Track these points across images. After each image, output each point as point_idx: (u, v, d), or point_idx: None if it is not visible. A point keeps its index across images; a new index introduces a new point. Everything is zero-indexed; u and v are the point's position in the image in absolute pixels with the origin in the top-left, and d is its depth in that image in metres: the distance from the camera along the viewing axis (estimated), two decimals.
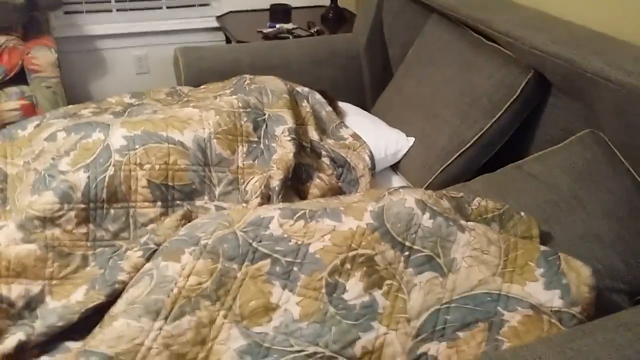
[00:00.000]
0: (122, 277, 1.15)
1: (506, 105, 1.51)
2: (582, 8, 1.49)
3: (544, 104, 1.53)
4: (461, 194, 1.25)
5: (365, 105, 2.15)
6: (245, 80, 1.69)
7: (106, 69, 2.89)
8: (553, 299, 1.00)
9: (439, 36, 1.80)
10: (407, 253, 1.06)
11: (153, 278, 1.02)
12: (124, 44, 2.83)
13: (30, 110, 1.97)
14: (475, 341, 0.98)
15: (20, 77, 2.02)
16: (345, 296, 1.01)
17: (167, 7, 2.86)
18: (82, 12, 2.71)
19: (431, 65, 1.76)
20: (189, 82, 1.93)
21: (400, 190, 1.17)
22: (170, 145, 1.38)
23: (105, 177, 1.29)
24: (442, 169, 1.59)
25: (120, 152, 1.33)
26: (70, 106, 1.70)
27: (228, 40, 2.73)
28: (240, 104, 1.53)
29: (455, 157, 1.58)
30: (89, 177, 1.28)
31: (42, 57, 1.97)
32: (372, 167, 1.62)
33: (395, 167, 1.76)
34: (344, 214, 1.10)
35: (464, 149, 1.57)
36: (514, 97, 1.50)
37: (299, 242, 1.07)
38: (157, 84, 2.93)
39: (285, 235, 1.08)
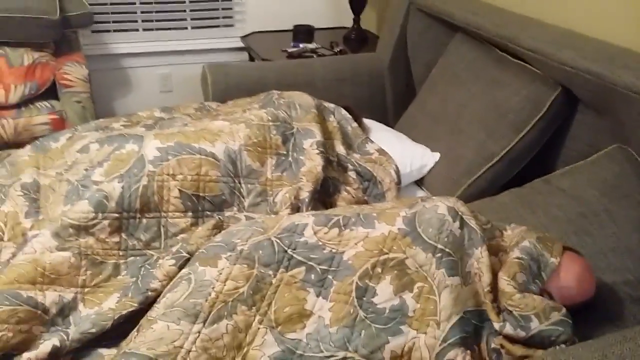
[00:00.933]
0: (155, 284, 1.17)
1: (534, 121, 1.52)
2: (609, 25, 1.51)
3: (571, 119, 1.54)
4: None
5: (388, 122, 2.17)
6: (273, 96, 1.72)
7: (131, 87, 2.94)
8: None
9: (464, 54, 1.82)
10: (439, 254, 1.07)
11: (191, 282, 1.04)
12: (149, 63, 2.89)
13: (59, 124, 2.01)
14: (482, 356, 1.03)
15: (50, 93, 2.07)
16: (375, 299, 1.03)
17: (192, 27, 2.92)
18: (109, 31, 2.77)
19: (456, 83, 1.78)
20: (216, 98, 1.97)
21: (434, 197, 1.18)
22: (202, 157, 1.40)
23: (139, 187, 1.31)
24: (469, 182, 1.60)
25: (153, 163, 1.35)
26: (100, 120, 1.74)
27: (252, 60, 2.77)
28: (269, 118, 1.55)
29: (482, 171, 1.58)
30: (123, 187, 1.30)
31: (74, 72, 2.02)
32: (398, 182, 1.64)
33: (420, 182, 1.77)
34: (377, 219, 1.12)
35: (491, 163, 1.57)
36: (542, 113, 1.51)
37: (334, 250, 1.08)
38: (179, 102, 2.97)
39: (320, 243, 1.09)
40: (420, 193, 1.75)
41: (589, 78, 1.31)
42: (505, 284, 1.07)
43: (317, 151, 1.52)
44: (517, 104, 1.55)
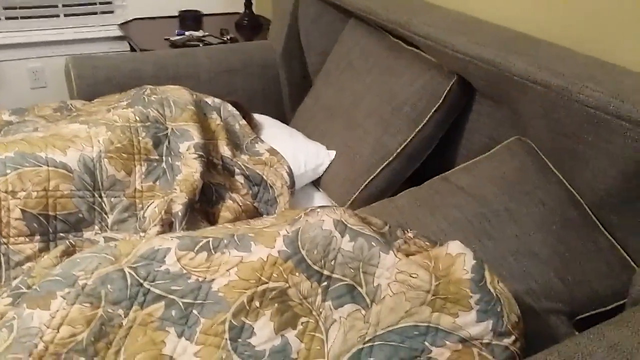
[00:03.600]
0: None
1: (430, 113, 1.42)
2: (506, 9, 1.43)
3: (469, 110, 1.45)
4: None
5: (285, 116, 2.02)
6: (145, 91, 1.50)
7: None
8: (485, 331, 0.88)
9: (357, 41, 1.69)
10: (325, 283, 0.91)
11: (12, 331, 0.82)
12: (15, 56, 2.55)
13: None
14: None
15: None
16: (253, 341, 0.85)
17: (65, 15, 2.60)
18: None
19: (350, 72, 1.65)
20: (83, 96, 1.72)
21: (319, 210, 1.01)
22: (50, 168, 1.17)
23: None
24: (366, 183, 1.47)
25: None
26: None
27: (133, 50, 2.51)
28: (137, 118, 1.34)
29: (379, 170, 1.46)
30: None
31: None
32: (291, 185, 1.48)
33: (317, 183, 1.62)
34: (254, 241, 0.95)
35: (388, 160, 1.45)
36: (438, 104, 1.41)
37: (201, 279, 0.89)
38: (55, 99, 2.66)
39: (184, 272, 0.90)
40: (318, 195, 1.60)
41: (481, 65, 1.21)
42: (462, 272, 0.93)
43: (195, 155, 1.33)
44: (412, 95, 1.44)
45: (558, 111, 1.08)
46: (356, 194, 1.48)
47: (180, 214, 1.21)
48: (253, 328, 0.86)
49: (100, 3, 2.65)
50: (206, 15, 2.61)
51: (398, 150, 1.44)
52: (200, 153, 1.33)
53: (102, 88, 1.73)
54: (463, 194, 1.26)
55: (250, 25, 2.51)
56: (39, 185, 1.15)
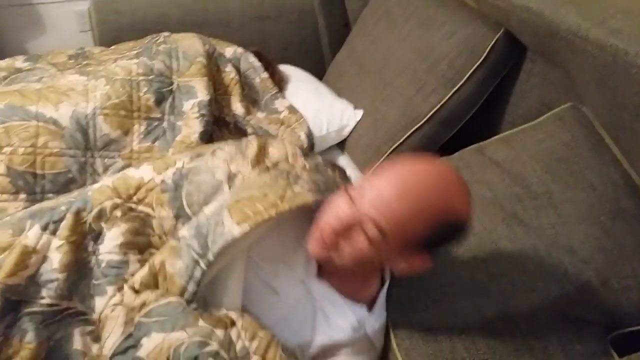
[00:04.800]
0: None
1: (470, 72, 1.22)
2: None
3: (517, 70, 1.23)
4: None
5: (324, 69, 1.85)
6: (157, 39, 1.39)
7: (44, 27, 2.56)
8: None
9: None
10: (192, 231, 0.85)
11: None
12: None
13: None
14: None
15: None
16: (101, 247, 0.84)
17: None
18: None
19: (386, 22, 1.46)
20: (104, 42, 1.64)
21: (226, 149, 0.97)
22: (39, 124, 1.09)
23: None
24: (391, 149, 1.31)
25: None
26: None
27: None
28: (140, 70, 1.24)
29: (407, 134, 1.29)
30: None
31: None
32: (309, 148, 1.34)
33: (342, 145, 1.47)
34: (148, 162, 0.95)
35: (418, 125, 1.28)
36: (479, 61, 1.21)
37: None
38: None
39: None
40: (342, 160, 1.45)
41: (527, 18, 1.00)
42: None
43: (197, 114, 1.21)
44: (450, 50, 1.24)
45: (614, 78, 0.86)
46: (380, 160, 1.32)
47: None
48: (106, 235, 0.84)
49: None
50: None
51: (430, 114, 1.26)
52: (204, 112, 1.21)
53: (126, 35, 1.62)
54: (497, 169, 1.08)
55: None
56: (26, 141, 1.07)
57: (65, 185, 1.10)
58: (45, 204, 0.89)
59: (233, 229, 0.80)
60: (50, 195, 1.09)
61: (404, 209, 0.75)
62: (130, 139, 1.17)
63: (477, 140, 1.21)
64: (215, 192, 0.89)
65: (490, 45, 1.18)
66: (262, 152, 0.99)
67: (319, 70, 1.82)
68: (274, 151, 1.01)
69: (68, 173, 1.10)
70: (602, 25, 0.85)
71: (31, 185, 1.07)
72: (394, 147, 1.30)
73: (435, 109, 1.25)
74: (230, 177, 0.92)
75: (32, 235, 0.82)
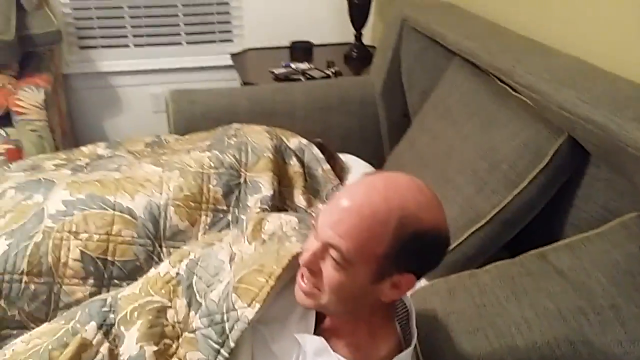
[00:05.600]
0: None
1: (532, 175, 1.21)
2: (633, 58, 1.19)
3: (582, 174, 1.22)
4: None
5: (384, 157, 1.89)
6: (229, 131, 1.47)
7: (121, 107, 2.76)
8: None
9: (459, 84, 1.52)
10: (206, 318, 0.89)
11: None
12: (140, 81, 2.70)
13: (15, 154, 1.83)
14: None
15: (8, 120, 1.89)
16: (122, 349, 0.89)
17: (187, 43, 2.71)
18: (96, 47, 2.60)
19: (448, 119, 1.49)
20: (179, 129, 1.74)
21: (236, 234, 1.05)
22: (116, 213, 1.17)
23: (29, 244, 1.09)
24: (451, 248, 1.30)
25: (54, 218, 1.13)
26: (40, 156, 1.54)
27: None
28: (212, 163, 1.31)
29: (467, 235, 1.28)
30: (9, 245, 1.08)
31: (28, 98, 1.83)
32: None
33: None
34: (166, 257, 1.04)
35: (478, 225, 1.27)
36: (542, 165, 1.20)
37: None
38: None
39: None
40: None
41: (590, 128, 1.00)
42: None
43: (259, 210, 1.26)
44: (512, 151, 1.25)
45: None
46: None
47: None
48: (125, 335, 0.89)
49: (220, 32, 2.73)
50: (317, 45, 2.57)
51: (492, 215, 1.26)
52: (265, 207, 1.26)
53: (199, 122, 1.74)
54: (561, 279, 1.05)
55: (360, 57, 2.42)
56: (102, 229, 1.14)
57: (131, 272, 1.16)
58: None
59: (246, 311, 0.83)
60: (116, 281, 1.15)
61: (358, 224, 0.73)
62: (197, 230, 1.22)
63: (539, 242, 1.19)
64: (217, 272, 0.94)
65: (554, 150, 1.18)
66: (257, 228, 1.06)
67: (378, 158, 1.86)
68: (270, 225, 1.05)
69: (136, 261, 1.16)
70: None
71: (100, 271, 1.13)
72: (454, 245, 1.29)
73: (497, 210, 1.25)
74: (232, 257, 0.98)
75: (90, 330, 0.89)
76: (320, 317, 0.88)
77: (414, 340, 0.89)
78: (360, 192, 0.76)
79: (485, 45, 1.38)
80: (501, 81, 1.40)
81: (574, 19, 1.37)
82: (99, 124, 2.76)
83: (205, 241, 1.10)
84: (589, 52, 1.31)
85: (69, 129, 2.43)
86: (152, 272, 1.00)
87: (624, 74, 1.17)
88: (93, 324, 0.90)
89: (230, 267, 0.95)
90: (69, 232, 1.13)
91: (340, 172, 1.56)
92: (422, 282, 1.33)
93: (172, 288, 0.94)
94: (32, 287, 1.08)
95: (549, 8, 1.46)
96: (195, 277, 0.95)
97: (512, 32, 1.52)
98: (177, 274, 0.97)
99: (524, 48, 1.36)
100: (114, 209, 1.17)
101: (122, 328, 0.90)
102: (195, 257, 0.99)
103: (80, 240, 1.13)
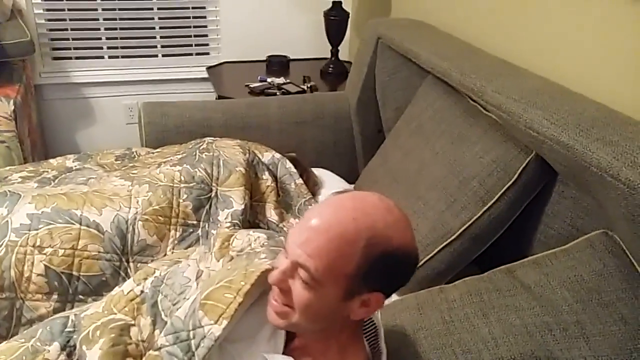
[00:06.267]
0: None
1: (501, 192, 1.23)
2: (601, 80, 1.22)
3: (549, 192, 1.24)
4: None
5: (358, 172, 1.90)
6: (201, 145, 1.46)
7: (94, 118, 2.73)
8: None
9: (431, 102, 1.54)
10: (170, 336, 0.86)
11: None
12: (114, 92, 2.68)
13: None
14: None
15: None
16: None
17: (163, 55, 2.70)
18: (70, 58, 2.57)
19: (420, 136, 1.50)
20: (151, 142, 1.72)
21: (203, 251, 1.02)
22: (82, 227, 1.15)
23: None
24: (420, 263, 1.31)
25: (17, 232, 1.11)
26: (7, 168, 1.51)
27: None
28: (183, 177, 1.30)
29: (437, 250, 1.29)
30: None
31: None
32: None
33: None
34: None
35: (448, 240, 1.28)
36: (511, 182, 1.22)
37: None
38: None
39: None
40: None
41: (557, 148, 1.02)
42: None
43: (229, 224, 1.25)
44: (483, 168, 1.27)
45: None
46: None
47: None
48: (87, 355, 0.86)
49: (197, 45, 2.72)
50: (293, 60, 2.58)
51: (460, 230, 1.27)
52: (236, 221, 1.25)
53: (171, 136, 1.73)
54: (528, 295, 1.06)
55: (336, 72, 2.43)
56: (67, 243, 1.12)
57: (97, 287, 1.14)
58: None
59: (213, 329, 0.82)
60: (81, 297, 1.12)
61: (326, 244, 0.73)
62: (165, 245, 1.21)
63: (507, 257, 1.21)
64: (183, 290, 0.92)
65: (522, 167, 1.20)
66: (225, 245, 1.05)
67: (351, 173, 1.87)
68: (238, 242, 1.05)
69: (102, 276, 1.14)
70: (633, 166, 0.87)
71: (65, 286, 1.11)
72: (424, 260, 1.30)
73: (466, 225, 1.26)
74: (199, 275, 0.97)
75: (53, 351, 0.87)
76: (289, 337, 0.88)
77: (384, 358, 0.89)
78: (329, 211, 0.76)
79: (457, 65, 1.40)
80: (473, 100, 1.43)
81: (544, 40, 1.40)
82: (71, 135, 2.72)
83: (171, 258, 1.08)
84: (557, 74, 1.34)
85: (40, 140, 2.39)
86: (116, 290, 0.98)
87: (590, 95, 1.20)
88: (56, 345, 0.87)
89: (197, 284, 0.93)
90: (33, 246, 1.10)
91: (313, 186, 1.56)
92: (393, 297, 1.34)
93: (135, 306, 0.92)
94: None
95: (520, 30, 1.49)
96: (160, 295, 0.94)
97: (483, 52, 1.54)
98: (142, 292, 0.95)
99: (495, 68, 1.38)
100: (80, 223, 1.15)
101: (84, 347, 0.87)
102: (160, 274, 0.98)
103: (45, 254, 1.10)
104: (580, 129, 1.00)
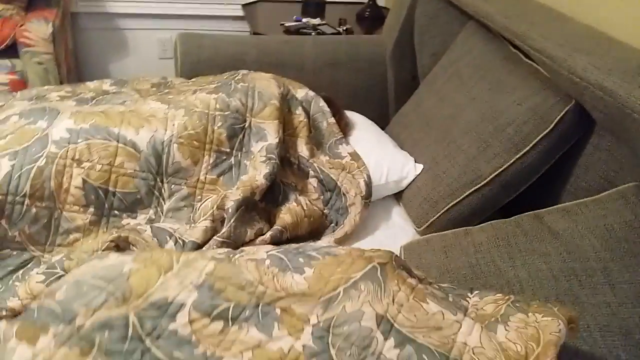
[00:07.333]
0: (13, 303, 0.96)
1: (535, 140, 1.22)
2: None
3: (585, 142, 1.23)
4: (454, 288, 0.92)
5: (388, 118, 1.89)
6: (236, 76, 1.47)
7: (128, 50, 2.74)
8: None
9: (470, 48, 1.51)
10: None
11: None
12: (148, 25, 2.68)
13: (19, 85, 1.82)
14: None
15: (15, 51, 1.87)
16: None
17: None
18: None
19: (456, 81, 1.48)
20: (186, 73, 1.73)
21: (362, 287, 0.82)
22: (119, 144, 1.17)
23: (33, 167, 1.10)
24: (447, 207, 1.31)
25: (57, 144, 1.14)
26: (45, 87, 1.53)
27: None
28: (217, 105, 1.30)
29: (466, 194, 1.30)
30: (13, 166, 1.09)
31: (36, 30, 1.81)
32: (367, 195, 1.37)
33: (398, 196, 1.49)
34: (279, 322, 0.80)
35: (478, 185, 1.28)
36: (546, 130, 1.21)
37: (209, 353, 0.77)
38: None
39: (193, 338, 0.78)
40: (396, 210, 1.47)
41: (599, 95, 1.00)
42: None
43: (265, 158, 1.26)
44: (518, 116, 1.25)
45: None
46: (435, 217, 1.33)
47: (230, 210, 1.15)
48: None
49: None
50: (330, 2, 2.54)
51: (491, 176, 1.27)
52: (271, 155, 1.27)
53: (204, 67, 1.73)
54: (555, 240, 1.07)
55: (372, 17, 2.39)
56: (105, 159, 1.15)
57: (131, 204, 1.17)
58: None
59: None
60: (116, 212, 1.16)
61: None
62: (199, 169, 1.23)
63: (535, 206, 1.21)
64: (369, 343, 0.77)
65: (559, 116, 1.18)
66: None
67: (382, 118, 1.86)
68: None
69: (137, 194, 1.17)
70: None
71: (101, 200, 1.14)
72: (451, 204, 1.30)
73: (497, 172, 1.26)
74: (379, 320, 0.79)
75: None
76: None
77: None
78: None
79: (501, 9, 1.37)
80: (514, 46, 1.40)
81: None
82: (103, 64, 2.74)
83: (320, 281, 0.85)
84: (603, 22, 1.30)
85: (74, 66, 2.41)
86: (269, 345, 0.78)
87: (636, 45, 1.17)
88: None
89: (384, 337, 0.77)
90: (72, 159, 1.13)
91: (344, 127, 1.56)
92: (417, 236, 1.36)
93: None
94: (34, 210, 1.09)
95: None
96: (333, 348, 0.78)
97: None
98: (304, 346, 0.78)
99: (539, 14, 1.35)
100: (117, 141, 1.17)
101: None
102: (318, 321, 0.80)
103: (83, 168, 1.13)
104: (624, 75, 0.98)
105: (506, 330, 0.79)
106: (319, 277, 0.84)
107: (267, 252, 0.90)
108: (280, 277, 0.85)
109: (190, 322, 0.79)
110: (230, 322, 0.79)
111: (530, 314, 0.81)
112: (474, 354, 0.76)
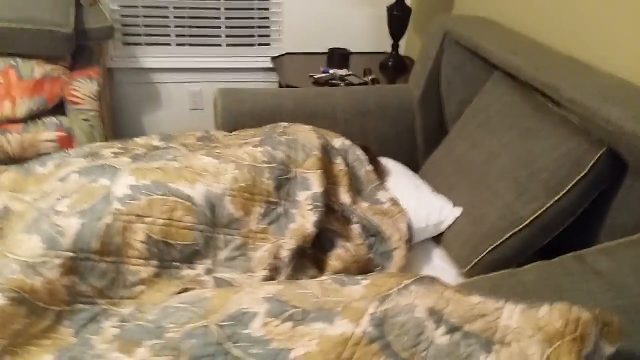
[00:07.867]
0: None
1: (572, 184, 1.28)
2: None
3: (619, 185, 1.28)
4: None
5: (417, 164, 1.96)
6: (277, 129, 1.55)
7: (161, 103, 2.86)
8: None
9: (499, 96, 1.59)
10: None
11: None
12: (180, 79, 2.80)
13: (67, 142, 1.92)
14: None
15: (61, 108, 1.98)
16: None
17: (227, 45, 2.80)
18: (141, 44, 2.70)
19: (487, 128, 1.55)
20: (226, 126, 1.82)
21: (413, 288, 0.92)
22: (177, 199, 1.24)
23: (100, 225, 1.17)
24: (490, 248, 1.37)
25: (122, 201, 1.21)
26: (96, 144, 1.62)
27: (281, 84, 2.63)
28: (265, 159, 1.38)
29: (507, 237, 1.35)
30: (83, 225, 1.16)
31: (83, 88, 1.93)
32: (410, 239, 1.42)
33: (437, 239, 1.55)
34: (340, 315, 0.89)
35: (518, 228, 1.34)
36: (582, 174, 1.26)
37: (281, 347, 0.86)
38: (210, 121, 2.87)
39: (267, 338, 0.88)
40: (437, 252, 1.52)
41: (634, 142, 1.06)
42: None
43: (311, 206, 1.33)
44: (554, 161, 1.31)
45: None
46: (478, 258, 1.38)
47: (287, 260, 1.21)
48: None
49: (259, 36, 2.82)
50: (354, 53, 2.65)
51: (531, 219, 1.32)
52: (318, 204, 1.33)
53: (245, 120, 1.81)
54: (600, 280, 1.11)
55: (395, 67, 2.50)
56: (165, 214, 1.22)
57: (190, 256, 1.23)
58: None
59: None
60: (176, 264, 1.22)
61: None
62: (250, 220, 1.29)
63: (573, 245, 1.25)
64: (422, 331, 0.84)
65: (594, 161, 1.24)
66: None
67: (411, 164, 1.93)
68: None
69: (196, 246, 1.23)
70: None
71: (163, 253, 1.20)
72: (493, 246, 1.36)
73: (536, 214, 1.31)
74: (430, 312, 0.87)
75: None
76: None
77: None
78: None
79: (529, 61, 1.45)
80: (543, 95, 1.47)
81: (614, 38, 1.44)
82: (137, 117, 2.86)
83: (375, 286, 0.97)
84: (627, 71, 1.37)
85: (110, 121, 2.52)
86: (329, 331, 0.86)
87: None
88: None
89: (436, 325, 0.85)
90: (136, 215, 1.20)
91: (381, 174, 1.63)
92: (460, 279, 1.40)
93: (365, 350, 0.83)
94: (103, 265, 1.15)
95: (588, 27, 1.52)
96: (389, 335, 0.85)
97: (550, 48, 1.58)
98: (364, 332, 0.85)
99: (566, 65, 1.43)
100: (175, 196, 1.24)
101: None
102: (376, 311, 0.88)
103: (146, 224, 1.20)
104: None
105: (549, 309, 0.87)
106: (374, 285, 0.96)
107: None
108: (340, 289, 0.97)
109: (264, 324, 0.90)
110: (298, 323, 0.90)
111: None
112: (515, 334, 0.84)
